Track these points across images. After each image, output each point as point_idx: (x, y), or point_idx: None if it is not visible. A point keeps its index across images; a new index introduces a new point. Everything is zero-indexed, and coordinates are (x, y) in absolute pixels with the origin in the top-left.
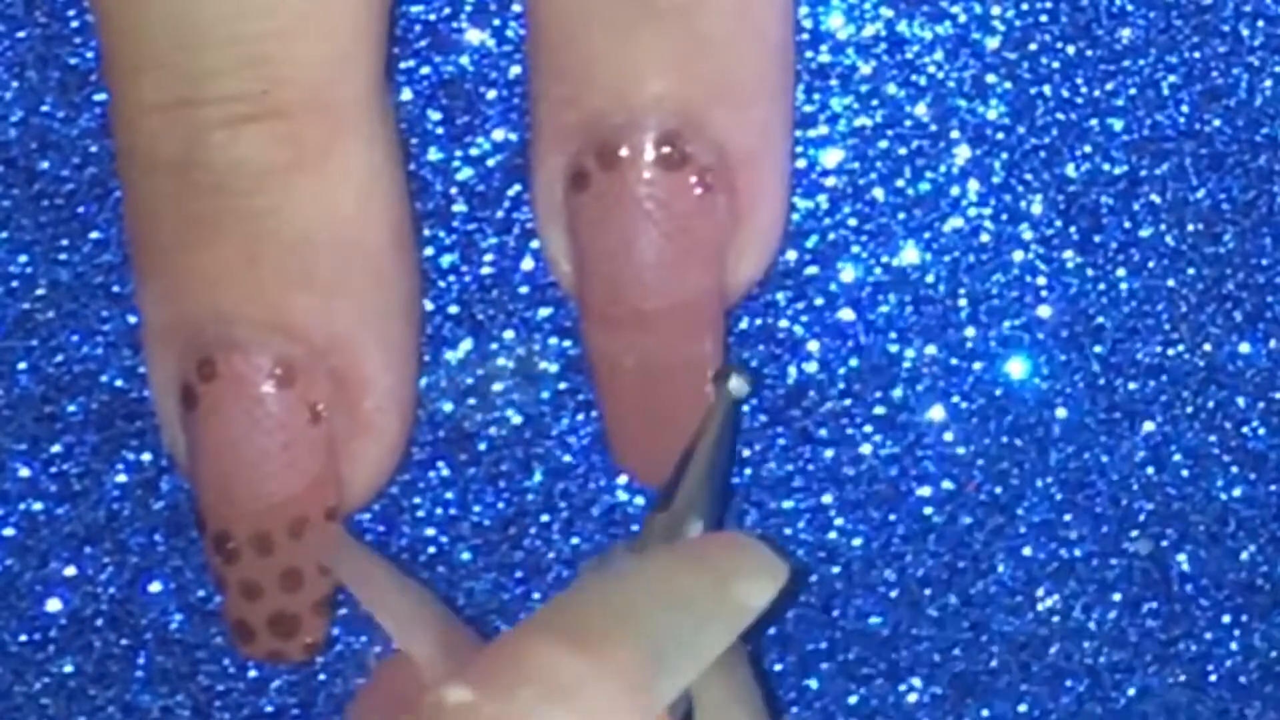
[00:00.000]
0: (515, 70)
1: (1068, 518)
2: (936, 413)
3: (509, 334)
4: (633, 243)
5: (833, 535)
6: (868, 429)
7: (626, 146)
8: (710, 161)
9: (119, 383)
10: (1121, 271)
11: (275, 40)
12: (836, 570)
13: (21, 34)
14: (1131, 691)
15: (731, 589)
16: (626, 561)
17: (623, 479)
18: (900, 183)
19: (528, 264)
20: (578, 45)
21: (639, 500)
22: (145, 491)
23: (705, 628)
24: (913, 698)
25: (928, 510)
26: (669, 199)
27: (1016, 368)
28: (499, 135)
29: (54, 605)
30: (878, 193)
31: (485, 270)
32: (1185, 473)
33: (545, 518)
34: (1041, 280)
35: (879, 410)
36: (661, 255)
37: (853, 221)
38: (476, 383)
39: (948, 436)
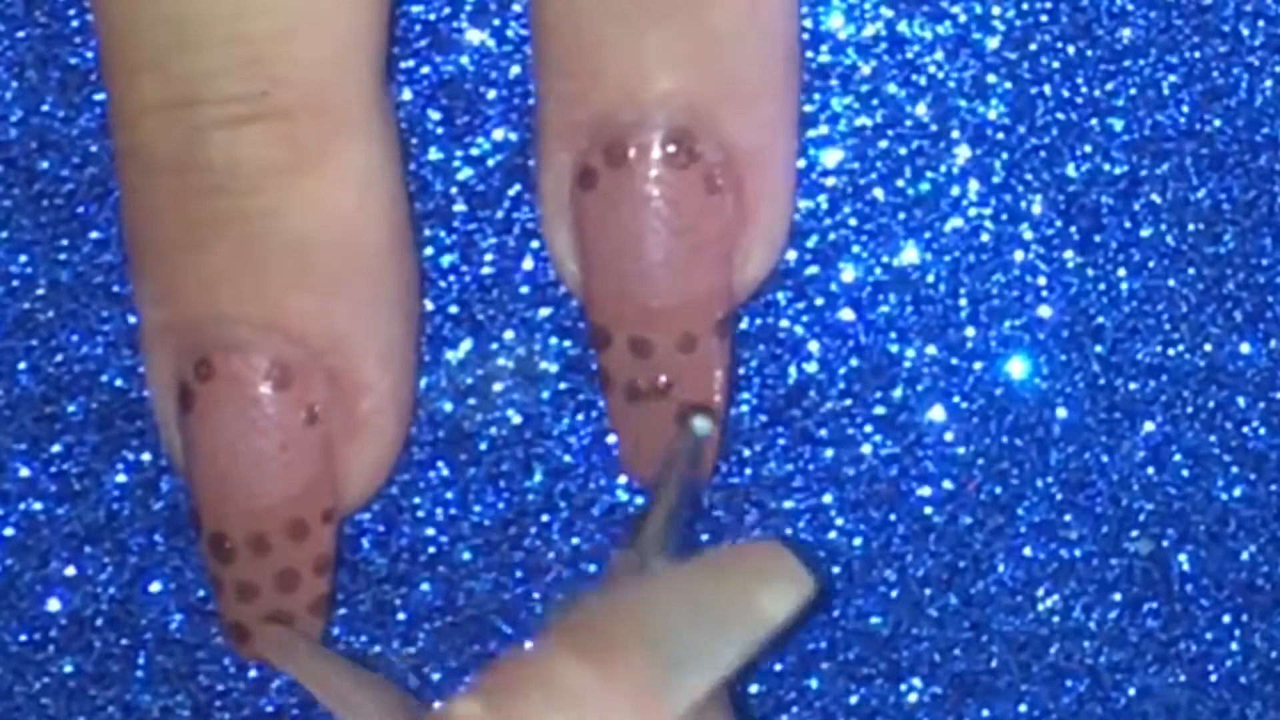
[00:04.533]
0: (515, 70)
1: (1068, 518)
2: (936, 413)
3: (509, 334)
4: (640, 241)
5: (833, 535)
6: (868, 429)
7: (635, 144)
8: (718, 159)
9: (119, 383)
10: (1121, 271)
11: (275, 40)
12: (836, 570)
13: (21, 34)
14: (1131, 691)
15: (754, 599)
16: (641, 567)
17: (623, 479)
18: (900, 183)
19: (528, 264)
20: (586, 43)
21: (639, 500)
22: (145, 491)
23: (723, 637)
24: (913, 698)
25: (928, 510)
26: (677, 197)
27: (1016, 368)
28: (499, 135)
29: (54, 605)
30: (878, 193)
31: (485, 270)
32: (1185, 473)
33: (545, 518)
34: (1041, 280)
35: (879, 410)
36: (669, 254)
37: (853, 221)
38: (476, 383)
39: (948, 436)
